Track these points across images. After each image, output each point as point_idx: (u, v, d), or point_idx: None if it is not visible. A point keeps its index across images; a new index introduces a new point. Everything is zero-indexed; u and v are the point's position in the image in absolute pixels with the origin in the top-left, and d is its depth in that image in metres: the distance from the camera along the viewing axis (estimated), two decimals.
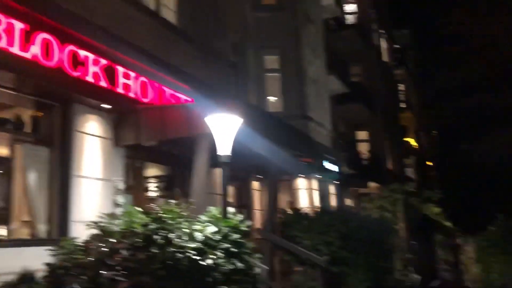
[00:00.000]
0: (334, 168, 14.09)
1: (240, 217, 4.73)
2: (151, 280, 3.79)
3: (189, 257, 3.96)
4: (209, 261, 4.02)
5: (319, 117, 15.38)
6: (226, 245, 4.35)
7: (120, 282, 3.80)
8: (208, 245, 4.21)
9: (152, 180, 8.45)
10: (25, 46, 5.31)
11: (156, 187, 8.55)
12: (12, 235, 5.88)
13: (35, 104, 6.23)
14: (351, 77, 20.90)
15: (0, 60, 5.10)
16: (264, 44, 13.83)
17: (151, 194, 8.39)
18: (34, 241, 5.66)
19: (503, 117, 24.16)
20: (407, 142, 31.97)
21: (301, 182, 13.91)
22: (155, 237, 4.04)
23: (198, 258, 3.99)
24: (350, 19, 23.81)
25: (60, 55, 5.74)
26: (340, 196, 16.80)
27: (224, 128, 5.19)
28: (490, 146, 26.24)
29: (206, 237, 4.27)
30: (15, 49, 5.20)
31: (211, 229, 4.37)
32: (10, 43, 5.15)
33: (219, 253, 4.17)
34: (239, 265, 4.30)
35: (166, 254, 3.91)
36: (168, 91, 7.58)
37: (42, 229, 5.92)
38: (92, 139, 6.50)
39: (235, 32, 12.27)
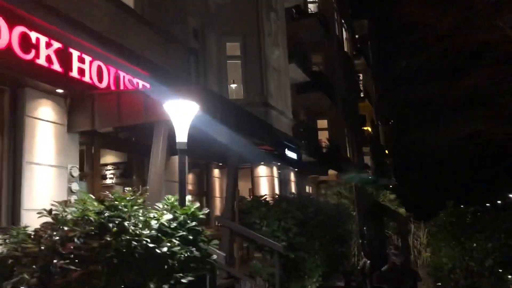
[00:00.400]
0: (294, 155, 14.25)
1: (197, 204, 4.71)
2: (104, 268, 3.73)
3: (144, 245, 3.92)
4: (165, 249, 3.99)
5: (280, 105, 15.47)
6: (183, 233, 4.33)
7: (72, 271, 3.71)
8: (164, 233, 4.18)
9: (109, 167, 8.28)
10: None
11: (113, 174, 8.38)
12: None
13: None
14: (312, 66, 21.10)
15: None
16: (225, 30, 13.72)
17: (108, 181, 8.23)
18: None
19: (455, 107, 25.12)
20: (366, 130, 32.74)
21: (261, 170, 14.00)
22: (109, 225, 3.97)
23: (153, 246, 3.95)
24: (312, 8, 23.97)
25: (10, 36, 5.49)
26: (299, 184, 17.03)
27: (182, 114, 5.13)
28: (442, 134, 27.24)
29: (162, 224, 4.23)
30: None
31: (167, 216, 4.33)
32: None
33: (175, 241, 4.14)
34: (196, 252, 4.29)
35: (120, 242, 3.85)
36: (125, 76, 7.40)
37: None
38: (44, 124, 6.27)
39: (196, 17, 12.10)
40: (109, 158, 8.39)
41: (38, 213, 4.83)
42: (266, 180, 14.03)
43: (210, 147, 8.67)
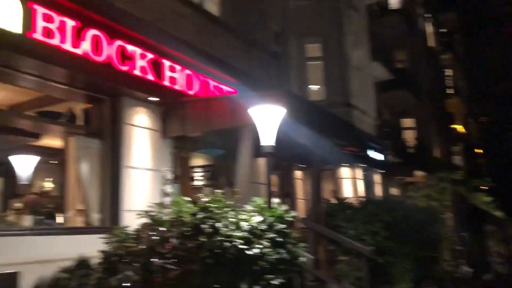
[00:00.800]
0: (379, 156, 13.87)
1: (284, 207, 4.78)
2: (200, 268, 3.92)
3: (236, 246, 4.06)
4: (256, 250, 4.10)
5: (363, 104, 15.14)
6: (272, 235, 4.42)
7: (170, 269, 3.94)
8: (254, 235, 4.29)
9: (198, 170, 8.64)
10: (76, 43, 5.54)
11: (202, 176, 8.74)
12: (68, 223, 6.21)
13: (86, 98, 6.49)
14: (395, 63, 20.38)
15: (53, 57, 5.33)
16: (305, 32, 13.71)
17: (197, 183, 8.59)
18: (88, 229, 5.93)
19: None
20: (455, 129, 30.96)
21: (345, 171, 13.79)
22: (202, 226, 4.16)
23: (244, 247, 4.08)
24: (394, 4, 23.16)
25: (109, 50, 5.95)
26: (385, 185, 16.54)
27: (267, 118, 5.24)
28: None
29: (252, 226, 4.35)
30: (67, 46, 5.44)
31: (257, 218, 4.45)
32: (62, 40, 5.38)
33: (265, 243, 4.24)
34: (285, 254, 4.36)
35: (213, 243, 4.02)
36: (212, 82, 7.70)
37: (95, 217, 6.19)
38: (140, 131, 6.71)
39: (276, 21, 12.24)
40: (197, 161, 8.75)
41: (137, 214, 5.18)
42: (350, 182, 13.79)
43: (293, 149, 8.72)
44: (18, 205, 6.36)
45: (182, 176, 7.54)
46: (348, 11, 15.01)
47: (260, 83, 9.42)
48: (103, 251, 4.91)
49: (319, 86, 14.35)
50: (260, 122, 5.26)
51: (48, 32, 5.22)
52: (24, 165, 8.03)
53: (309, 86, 14.15)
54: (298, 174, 12.23)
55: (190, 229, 4.17)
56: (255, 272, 4.10)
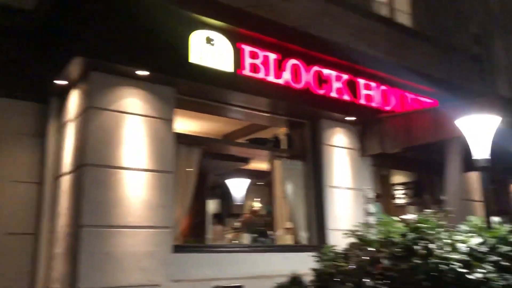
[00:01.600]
0: None
1: (508, 227, 4.26)
2: None
3: (454, 269, 3.76)
4: (478, 275, 3.72)
5: None
6: (495, 258, 3.97)
7: None
8: (474, 258, 3.92)
9: (398, 187, 8.35)
10: (278, 74, 6.00)
11: (403, 194, 8.41)
12: (277, 241, 6.63)
13: (287, 123, 6.93)
14: None
15: (259, 89, 5.86)
16: None
17: (399, 201, 8.29)
18: (297, 247, 6.23)
19: None
20: None
21: None
22: (415, 247, 3.98)
23: (464, 271, 3.75)
24: None
25: (307, 76, 6.27)
26: None
27: (479, 129, 4.78)
28: None
29: (471, 248, 3.98)
30: (271, 78, 5.92)
31: (476, 240, 4.06)
32: (267, 73, 5.89)
33: (488, 267, 3.83)
34: None
35: (428, 265, 3.80)
36: (409, 96, 7.42)
37: (302, 236, 6.47)
38: (339, 150, 6.84)
39: (477, 22, 11.19)
40: (397, 178, 8.47)
41: (344, 233, 5.25)
42: None
43: (508, 160, 7.76)
44: (237, 224, 7.07)
45: (382, 194, 7.38)
46: None
47: (462, 90, 8.69)
48: (314, 269, 5.09)
49: None
50: (471, 134, 4.83)
51: (254, 68, 5.77)
52: (237, 187, 8.95)
53: None
54: None
55: (401, 250, 4.02)
56: None
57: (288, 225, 7.13)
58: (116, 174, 4.73)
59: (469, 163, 5.22)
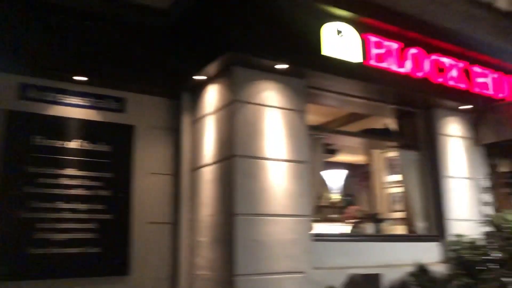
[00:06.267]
0: None
1: None
2: None
3: None
4: None
5: None
6: None
7: None
8: None
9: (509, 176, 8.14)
10: (400, 63, 5.98)
11: None
12: (388, 231, 6.63)
13: (399, 113, 6.90)
14: None
15: (383, 79, 5.86)
16: None
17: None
18: (420, 237, 6.21)
19: None
20: None
21: None
22: None
23: None
24: None
25: (426, 65, 6.22)
26: None
27: None
28: None
29: None
30: (394, 67, 5.91)
31: None
32: (390, 62, 5.88)
33: None
34: None
35: None
36: None
37: (419, 226, 6.44)
38: (453, 140, 6.76)
39: None
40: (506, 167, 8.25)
41: (480, 222, 5.22)
42: None
43: None
44: (342, 216, 7.14)
45: (496, 183, 7.24)
46: None
47: None
48: (455, 258, 5.12)
49: None
50: None
51: (379, 57, 5.78)
52: (333, 179, 9.00)
53: None
54: None
55: None
56: None
57: (399, 215, 7.14)
58: (261, 164, 4.88)
59: None
